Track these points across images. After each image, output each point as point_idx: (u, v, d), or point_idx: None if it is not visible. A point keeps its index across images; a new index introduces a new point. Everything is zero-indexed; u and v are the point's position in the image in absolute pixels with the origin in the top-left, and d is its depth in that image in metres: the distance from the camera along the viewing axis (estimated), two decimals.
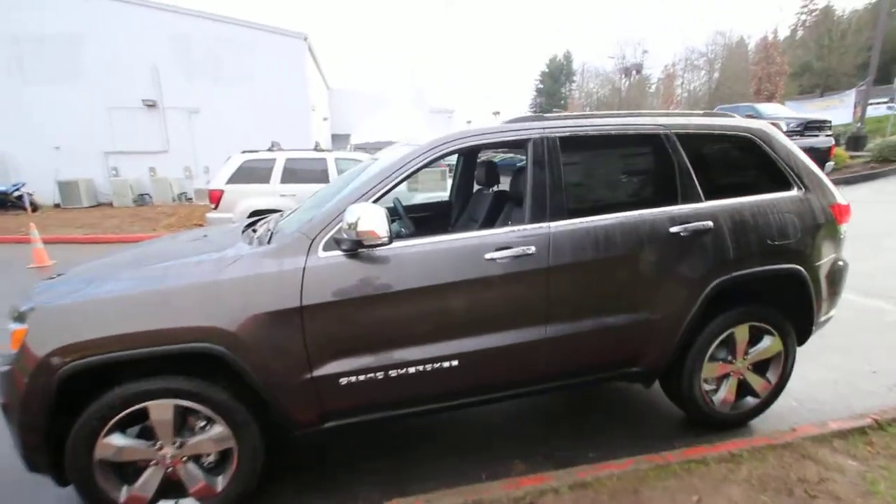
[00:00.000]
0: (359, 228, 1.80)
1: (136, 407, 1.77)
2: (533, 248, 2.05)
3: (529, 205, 2.13)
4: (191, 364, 1.85)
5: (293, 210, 2.64)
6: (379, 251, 1.92)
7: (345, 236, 1.85)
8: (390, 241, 1.85)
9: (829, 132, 12.05)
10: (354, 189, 2.04)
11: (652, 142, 2.34)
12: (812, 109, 18.92)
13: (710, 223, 2.28)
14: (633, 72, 36.78)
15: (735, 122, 2.54)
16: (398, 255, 1.95)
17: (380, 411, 2.05)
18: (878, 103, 21.89)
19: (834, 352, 3.45)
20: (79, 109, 15.25)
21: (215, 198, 6.87)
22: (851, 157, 13.52)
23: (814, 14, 45.53)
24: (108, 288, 1.82)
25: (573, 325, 2.17)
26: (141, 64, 15.46)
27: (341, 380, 1.93)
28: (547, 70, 61.40)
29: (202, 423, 1.87)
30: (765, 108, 13.67)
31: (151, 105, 15.78)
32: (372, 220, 1.80)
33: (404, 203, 3.53)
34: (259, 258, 1.88)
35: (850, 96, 16.65)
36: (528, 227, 2.10)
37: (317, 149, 7.73)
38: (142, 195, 15.69)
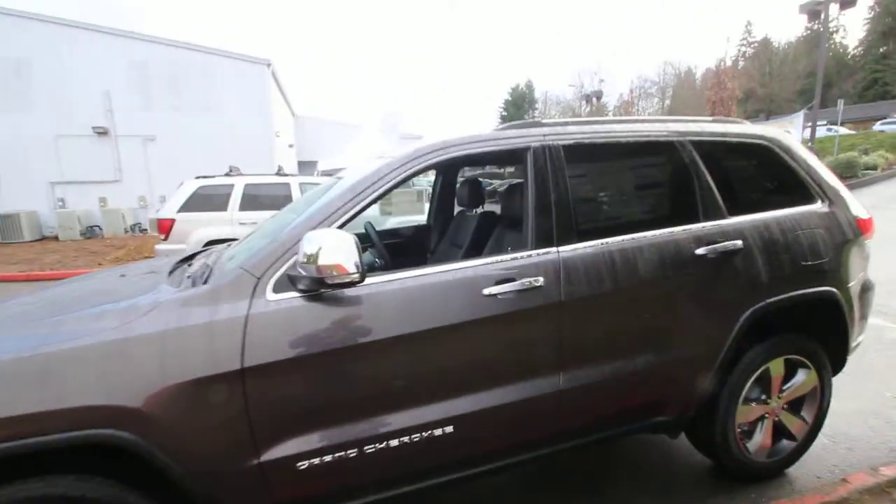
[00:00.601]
0: (320, 262, 1.35)
1: None
2: (541, 280, 1.66)
3: (532, 226, 1.74)
4: (92, 456, 1.33)
5: (246, 238, 2.15)
6: (349, 291, 1.47)
7: (302, 272, 1.40)
8: (362, 278, 1.41)
9: None
10: (316, 211, 1.60)
11: (666, 150, 2.02)
12: None
13: (740, 242, 1.95)
14: (594, 98, 37.97)
15: (749, 128, 2.27)
16: (374, 294, 1.51)
17: (352, 499, 1.57)
18: (820, 125, 23.23)
19: (844, 377, 3.18)
20: (23, 137, 14.29)
21: (165, 228, 6.23)
22: None
23: (752, 45, 49.13)
24: None
25: (591, 371, 1.77)
26: (92, 90, 14.72)
27: (300, 463, 1.45)
28: (510, 98, 63.05)
29: None
30: None
31: (102, 133, 14.96)
32: (337, 250, 1.36)
33: (379, 228, 3.11)
34: (184, 305, 1.40)
35: (799, 119, 17.48)
36: (533, 253, 1.71)
37: (279, 173, 7.22)
38: (91, 227, 14.61)
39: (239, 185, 6.59)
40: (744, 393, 2.07)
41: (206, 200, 6.45)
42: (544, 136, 1.84)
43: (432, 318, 1.54)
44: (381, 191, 1.61)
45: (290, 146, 21.58)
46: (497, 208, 2.73)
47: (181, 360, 1.33)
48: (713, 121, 2.27)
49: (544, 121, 1.93)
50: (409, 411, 1.55)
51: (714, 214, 1.99)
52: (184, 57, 15.34)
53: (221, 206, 6.49)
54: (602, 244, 1.78)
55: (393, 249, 3.01)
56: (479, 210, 2.76)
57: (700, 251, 1.89)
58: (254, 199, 6.57)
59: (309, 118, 24.94)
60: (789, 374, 2.18)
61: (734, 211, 2.04)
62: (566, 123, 1.93)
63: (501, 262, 1.67)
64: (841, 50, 45.85)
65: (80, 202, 14.95)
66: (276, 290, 1.45)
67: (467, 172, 3.31)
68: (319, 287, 1.41)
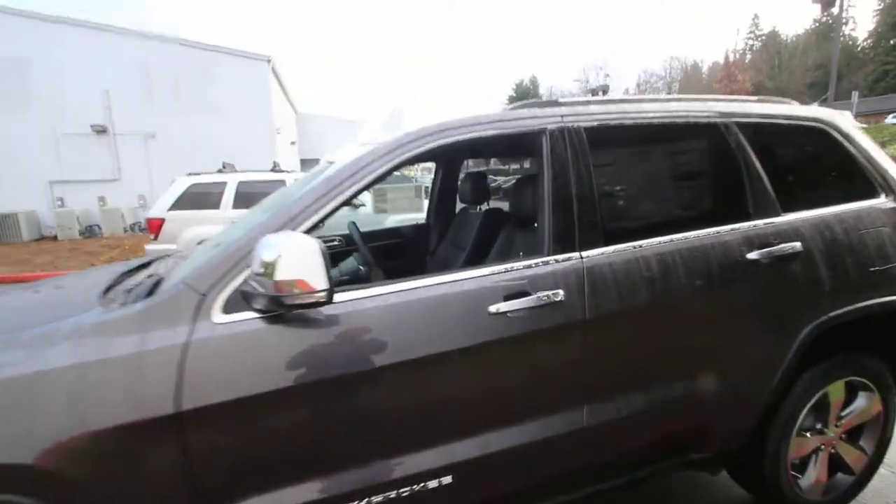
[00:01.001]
0: (278, 276, 1.04)
1: None
2: (561, 293, 1.33)
3: (549, 226, 1.42)
4: None
5: (204, 242, 1.83)
6: (319, 312, 1.16)
7: (258, 288, 1.09)
8: (329, 297, 1.10)
9: None
10: (280, 210, 1.28)
11: (708, 134, 1.69)
12: None
13: (799, 245, 1.62)
14: (600, 93, 37.50)
15: (802, 109, 1.93)
16: (351, 314, 1.20)
17: None
18: None
19: None
20: (22, 136, 14.14)
21: (154, 227, 5.96)
22: None
23: (760, 38, 48.34)
24: None
25: (621, 404, 1.45)
26: (91, 88, 14.52)
27: None
28: (514, 95, 62.47)
29: None
30: None
31: (101, 131, 14.78)
32: (300, 260, 1.05)
33: (371, 228, 2.80)
34: (105, 332, 1.09)
35: None
36: (550, 259, 1.39)
37: (275, 169, 6.92)
38: (90, 227, 14.42)
39: (232, 183, 6.30)
40: (798, 422, 1.75)
41: (198, 198, 6.17)
42: (563, 116, 1.51)
43: (424, 344, 1.22)
44: (361, 184, 1.30)
45: (293, 143, 21.32)
46: (503, 206, 2.41)
47: (98, 402, 1.03)
48: (758, 100, 1.94)
49: (562, 99, 1.60)
50: (396, 460, 1.24)
51: (766, 211, 1.66)
52: (183, 54, 15.13)
53: (214, 205, 6.20)
54: (634, 248, 1.46)
55: (387, 252, 2.70)
56: (485, 207, 2.44)
57: (752, 255, 1.56)
58: (248, 197, 6.27)
59: (311, 115, 24.67)
60: (849, 398, 1.86)
61: (788, 206, 1.71)
62: (588, 102, 1.61)
63: (511, 270, 1.35)
64: (850, 42, 44.99)
65: (79, 201, 14.76)
66: (227, 309, 1.14)
67: (469, 167, 2.99)
68: (278, 307, 1.10)
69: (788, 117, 1.85)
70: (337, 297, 1.16)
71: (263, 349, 1.13)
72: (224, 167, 6.60)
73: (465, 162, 2.88)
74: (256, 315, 1.14)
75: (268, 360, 1.13)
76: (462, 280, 1.30)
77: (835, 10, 15.01)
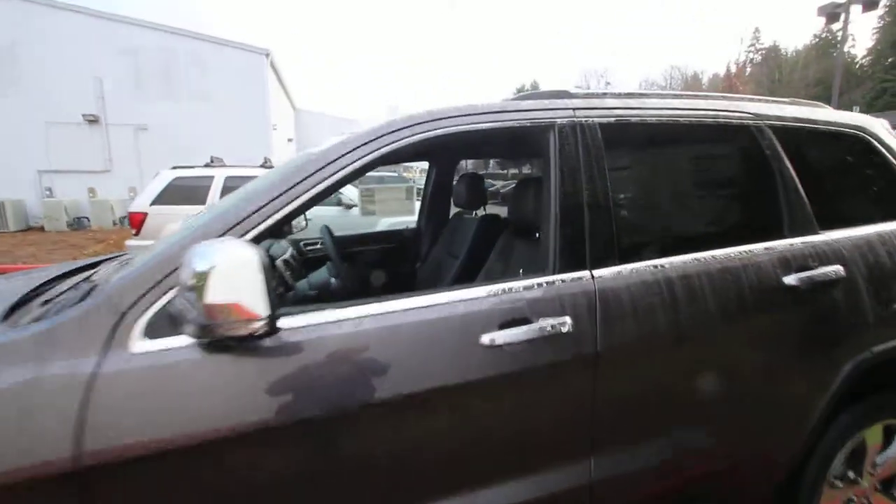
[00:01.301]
0: (207, 299, 0.80)
1: None
2: (568, 321, 1.10)
3: (556, 238, 1.19)
4: None
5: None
6: (267, 342, 0.92)
7: (186, 311, 0.85)
8: (271, 328, 0.86)
9: None
10: (224, 212, 1.04)
11: (740, 137, 1.46)
12: None
13: (841, 269, 1.41)
14: None
15: (840, 114, 1.72)
16: (309, 343, 0.96)
17: None
18: None
19: None
20: (10, 124, 13.77)
21: (136, 222, 5.70)
22: None
23: (760, 52, 48.46)
24: None
25: (635, 451, 1.22)
26: (83, 76, 14.19)
27: None
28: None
29: None
30: None
31: (93, 120, 14.46)
32: (235, 279, 0.81)
33: (360, 231, 2.57)
34: None
35: None
36: (557, 279, 1.16)
37: (265, 165, 6.67)
38: (79, 218, 14.06)
39: (220, 177, 6.04)
40: (831, 471, 1.53)
41: (183, 193, 5.91)
42: (575, 110, 1.29)
43: (398, 383, 0.99)
44: (328, 183, 1.06)
45: (290, 140, 21.02)
46: (502, 211, 2.19)
47: None
48: (791, 102, 1.72)
49: (573, 90, 1.38)
50: None
51: (803, 227, 1.44)
52: (178, 44, 14.84)
53: (200, 199, 5.92)
54: (655, 268, 1.23)
55: (373, 259, 2.46)
56: (481, 212, 2.21)
57: (790, 280, 1.34)
58: None
59: (310, 112, 24.39)
60: (886, 443, 1.64)
61: (825, 223, 1.50)
62: (604, 95, 1.38)
63: (509, 292, 1.12)
64: (850, 59, 45.17)
65: (68, 192, 14.42)
66: (150, 334, 0.90)
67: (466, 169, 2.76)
68: (208, 336, 0.86)
69: (827, 122, 1.64)
70: (291, 321, 0.93)
71: (193, 387, 0.90)
72: (212, 161, 6.34)
73: (463, 164, 2.65)
74: (186, 343, 0.90)
75: (199, 402, 0.89)
76: (448, 303, 1.07)
77: (839, 24, 14.92)
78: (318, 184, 1.04)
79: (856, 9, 14.45)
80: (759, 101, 1.58)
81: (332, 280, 1.55)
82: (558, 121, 1.26)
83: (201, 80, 14.86)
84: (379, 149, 1.10)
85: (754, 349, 1.33)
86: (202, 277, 0.80)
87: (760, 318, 1.32)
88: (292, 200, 1.01)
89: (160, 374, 0.88)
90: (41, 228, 13.63)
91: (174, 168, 6.09)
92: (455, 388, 1.02)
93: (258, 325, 0.82)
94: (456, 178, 2.56)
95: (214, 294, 0.79)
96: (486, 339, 1.04)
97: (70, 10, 14.18)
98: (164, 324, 0.91)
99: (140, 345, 0.89)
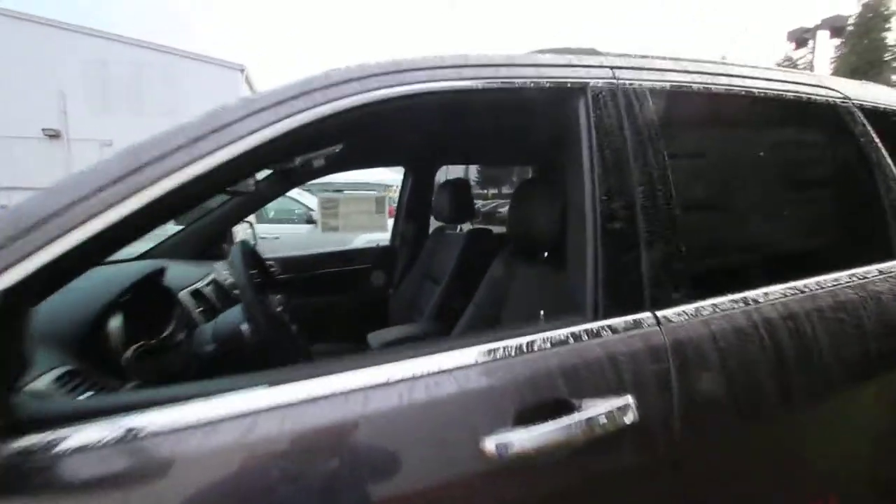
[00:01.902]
0: None
1: None
2: (630, 402, 0.65)
3: (594, 261, 0.75)
4: None
5: None
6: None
7: None
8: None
9: None
10: None
11: (827, 122, 1.06)
12: None
13: None
14: None
15: None
16: (119, 471, 0.48)
17: None
18: None
19: None
20: None
21: None
22: None
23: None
24: None
25: None
26: (44, 89, 13.54)
27: None
28: None
29: None
30: None
31: (54, 135, 13.73)
32: None
33: (315, 251, 2.10)
34: None
35: None
36: (600, 326, 0.71)
37: None
38: None
39: None
40: None
41: None
42: (613, 69, 0.86)
43: None
44: (190, 172, 0.59)
45: None
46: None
47: None
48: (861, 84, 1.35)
49: (603, 51, 0.96)
50: None
51: None
52: (147, 57, 14.35)
53: None
54: (745, 303, 0.80)
55: (335, 284, 1.99)
56: (469, 226, 1.78)
57: None
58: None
59: None
60: None
61: None
62: (647, 56, 0.96)
63: (527, 352, 0.66)
64: None
65: None
66: None
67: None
68: None
69: None
70: (79, 434, 0.46)
71: None
72: None
73: (441, 167, 2.21)
74: None
75: None
76: (419, 377, 0.60)
77: (801, 52, 15.33)
78: (170, 174, 0.56)
79: (823, 35, 14.82)
80: (832, 79, 1.19)
81: (242, 328, 1.00)
82: (591, 82, 0.83)
83: (171, 95, 14.34)
84: (294, 114, 0.63)
85: (883, 413, 0.91)
86: None
87: (889, 368, 0.90)
88: (116, 205, 0.53)
89: None
90: None
91: None
92: None
93: None
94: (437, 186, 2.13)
95: None
96: (492, 443, 0.57)
97: (33, 22, 13.60)
98: None
99: None
